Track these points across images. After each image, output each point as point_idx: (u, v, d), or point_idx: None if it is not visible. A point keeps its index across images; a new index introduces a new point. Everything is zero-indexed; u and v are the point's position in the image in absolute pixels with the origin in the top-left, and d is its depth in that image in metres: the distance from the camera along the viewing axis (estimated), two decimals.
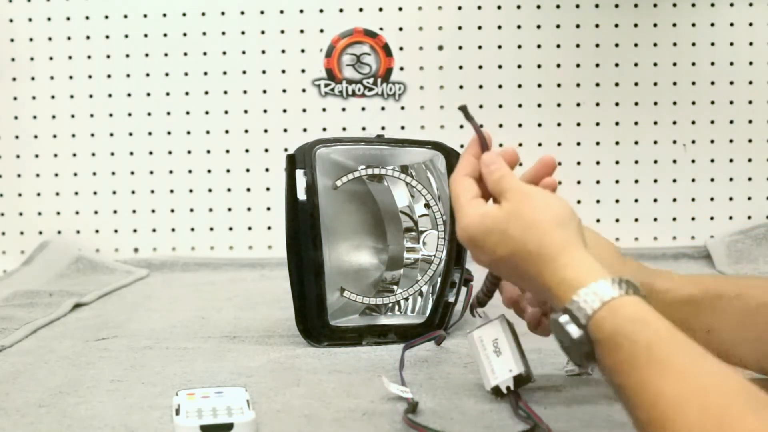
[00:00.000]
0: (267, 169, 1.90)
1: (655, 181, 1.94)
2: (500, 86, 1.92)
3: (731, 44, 1.93)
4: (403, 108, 1.91)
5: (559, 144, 1.93)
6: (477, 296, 0.97)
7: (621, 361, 0.68)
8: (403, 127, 1.90)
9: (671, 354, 0.67)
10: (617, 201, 1.93)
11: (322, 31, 1.89)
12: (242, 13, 1.89)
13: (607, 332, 0.70)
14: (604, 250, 0.92)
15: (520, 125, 1.93)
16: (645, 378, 0.66)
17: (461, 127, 1.90)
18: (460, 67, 1.91)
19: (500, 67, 1.92)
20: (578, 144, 1.94)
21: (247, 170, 1.91)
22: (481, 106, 1.92)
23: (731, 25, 1.93)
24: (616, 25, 1.92)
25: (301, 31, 1.89)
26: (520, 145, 1.92)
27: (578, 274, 0.74)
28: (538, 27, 1.91)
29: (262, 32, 1.89)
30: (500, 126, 1.92)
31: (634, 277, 0.75)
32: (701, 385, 0.64)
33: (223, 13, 1.89)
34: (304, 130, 1.88)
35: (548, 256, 0.77)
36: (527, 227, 0.79)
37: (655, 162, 1.95)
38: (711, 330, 0.90)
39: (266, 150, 1.90)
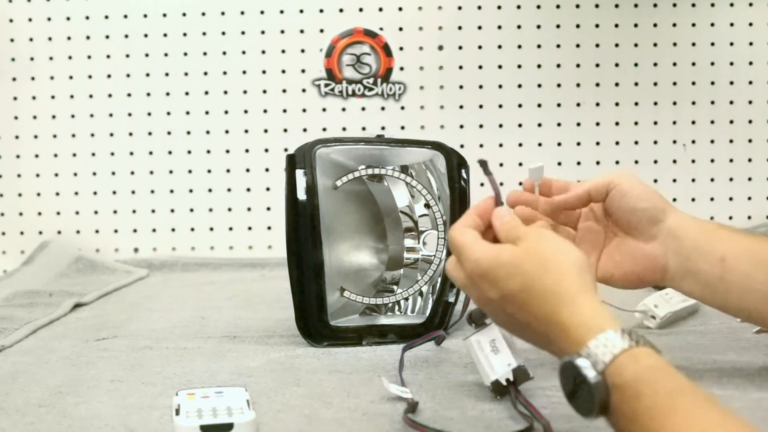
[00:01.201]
0: (267, 169, 1.90)
1: (655, 180, 1.94)
2: (500, 86, 1.92)
3: (731, 44, 1.94)
4: (403, 108, 1.91)
5: (559, 144, 1.94)
6: (472, 314, 0.98)
7: (641, 410, 0.67)
8: (403, 127, 1.90)
9: (694, 406, 0.66)
10: None
11: (322, 31, 1.89)
12: (242, 13, 1.89)
13: (629, 378, 0.68)
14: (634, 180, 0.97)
15: (520, 125, 1.93)
16: (667, 428, 0.65)
17: (461, 127, 1.91)
18: (460, 67, 1.91)
19: (500, 67, 1.92)
20: (578, 144, 1.94)
21: (247, 170, 1.91)
22: (481, 106, 1.92)
23: (731, 25, 1.93)
24: (616, 25, 1.92)
25: (301, 31, 1.89)
26: (520, 145, 1.93)
27: (597, 318, 0.73)
28: (538, 27, 1.92)
29: (262, 32, 1.89)
30: (500, 126, 1.92)
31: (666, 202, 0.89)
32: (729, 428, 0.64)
33: (223, 13, 1.89)
34: (304, 130, 1.89)
35: (568, 295, 0.75)
36: (545, 265, 0.78)
37: (655, 162, 1.95)
38: (725, 258, 0.92)
39: (266, 150, 1.90)
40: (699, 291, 0.95)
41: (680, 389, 0.67)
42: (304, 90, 1.90)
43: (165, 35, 1.88)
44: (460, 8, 1.91)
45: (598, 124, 1.94)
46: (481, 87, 1.92)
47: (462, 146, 1.82)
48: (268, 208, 1.90)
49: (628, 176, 0.97)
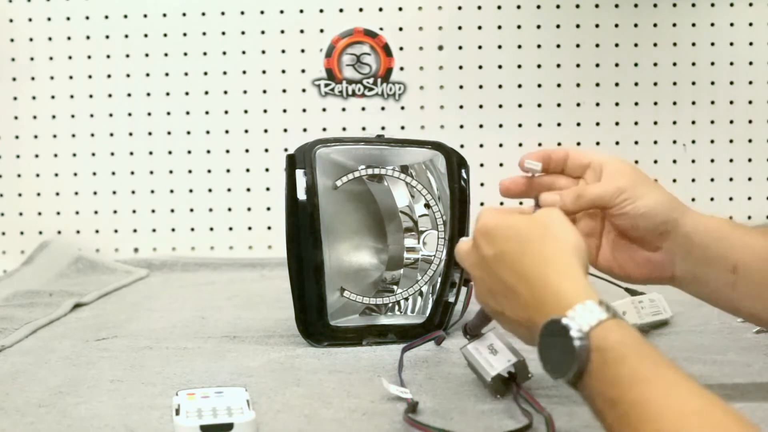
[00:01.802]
0: (267, 169, 1.90)
1: (655, 181, 1.93)
2: (500, 86, 1.92)
3: (731, 44, 1.94)
4: (403, 108, 1.91)
5: (559, 144, 1.93)
6: (467, 326, 0.98)
7: (622, 374, 0.67)
8: (403, 127, 1.90)
9: (677, 379, 0.67)
10: None
11: (322, 31, 1.89)
12: (242, 13, 1.89)
13: (613, 341, 0.69)
14: (640, 175, 0.94)
15: (520, 125, 1.93)
16: (647, 394, 0.65)
17: (461, 127, 1.91)
18: (460, 67, 1.91)
19: (500, 67, 1.92)
20: (578, 144, 1.94)
21: (247, 170, 1.91)
22: (481, 106, 1.92)
23: (731, 25, 1.93)
24: (616, 25, 1.92)
25: (301, 31, 1.89)
26: (520, 145, 1.93)
27: (586, 289, 0.74)
28: (538, 27, 1.92)
29: (262, 32, 1.89)
30: (500, 126, 1.92)
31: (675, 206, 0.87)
32: (706, 403, 0.65)
33: (223, 13, 1.89)
34: (304, 130, 1.88)
35: (561, 264, 0.77)
36: (546, 234, 0.79)
37: (655, 162, 1.95)
38: (736, 268, 0.89)
39: (266, 150, 1.90)
40: (708, 296, 0.93)
41: (664, 361, 0.68)
42: (304, 90, 1.90)
43: (165, 35, 1.88)
44: (460, 8, 1.91)
45: (598, 124, 1.94)
46: (481, 87, 1.92)
47: (462, 146, 1.82)
48: (268, 208, 1.90)
49: (641, 185, 0.92)
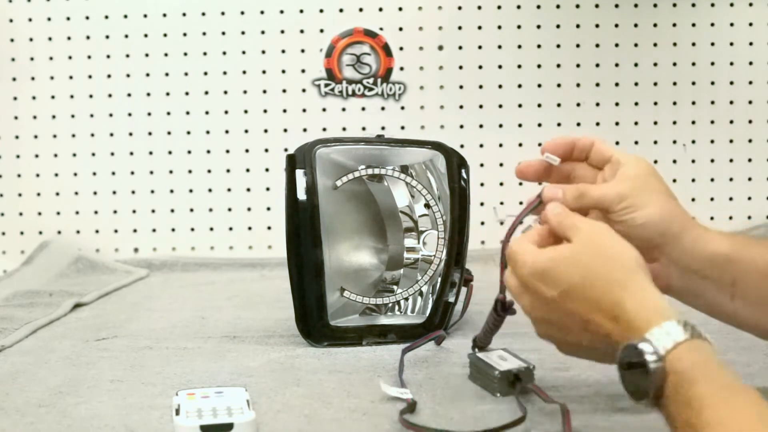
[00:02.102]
0: (267, 169, 1.90)
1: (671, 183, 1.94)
2: (500, 86, 1.92)
3: (731, 44, 1.94)
4: (403, 108, 1.91)
5: None
6: (479, 339, 0.99)
7: (695, 395, 0.68)
8: (403, 127, 1.90)
9: (747, 403, 0.67)
10: None
11: (322, 31, 1.89)
12: (242, 13, 1.89)
13: (687, 364, 0.69)
14: (655, 181, 0.92)
15: (520, 125, 1.93)
16: (717, 416, 0.66)
17: (461, 127, 1.91)
18: (460, 67, 1.91)
19: (500, 67, 1.92)
20: None
21: (247, 170, 1.91)
22: (481, 106, 1.92)
23: (731, 25, 1.93)
24: (616, 25, 1.92)
25: (301, 31, 1.89)
26: (520, 145, 1.93)
27: (660, 308, 0.74)
28: (538, 27, 1.92)
29: (262, 32, 1.89)
30: (500, 126, 1.92)
31: (676, 218, 0.85)
32: None
33: (223, 13, 1.89)
34: (304, 130, 1.89)
35: (631, 283, 0.76)
36: (605, 255, 0.78)
37: (655, 162, 1.90)
38: (735, 283, 0.89)
39: (266, 150, 1.90)
40: (705, 309, 0.92)
41: (734, 385, 0.68)
42: (304, 90, 1.90)
43: (165, 35, 1.88)
44: (460, 8, 1.91)
45: (598, 124, 1.94)
46: (481, 87, 1.92)
47: (462, 146, 1.82)
48: (268, 208, 1.90)
49: (647, 192, 0.90)
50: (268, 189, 1.90)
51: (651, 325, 0.72)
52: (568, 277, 0.79)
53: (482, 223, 1.72)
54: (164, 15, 1.88)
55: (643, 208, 0.89)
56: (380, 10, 1.90)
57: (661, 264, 0.90)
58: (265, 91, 1.90)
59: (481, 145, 1.92)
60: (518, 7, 1.91)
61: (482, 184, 1.78)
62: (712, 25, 1.93)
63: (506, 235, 0.89)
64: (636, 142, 1.94)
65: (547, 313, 0.82)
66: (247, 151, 1.90)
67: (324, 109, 1.90)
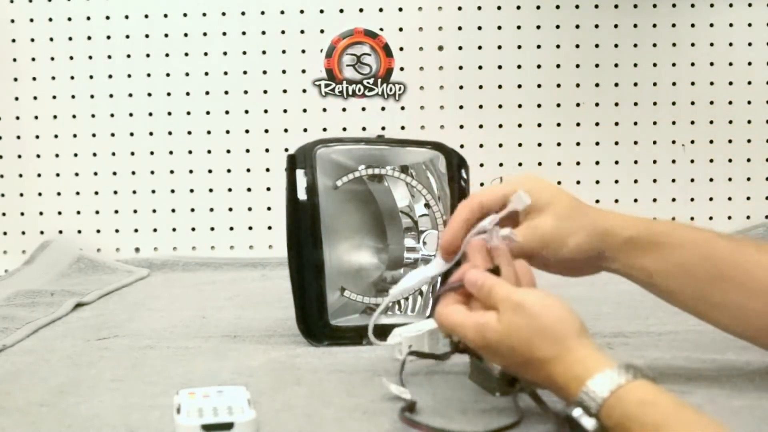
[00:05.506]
0: (268, 169, 1.91)
1: (654, 181, 1.95)
2: (500, 86, 1.93)
3: (730, 44, 1.94)
4: (403, 108, 1.91)
5: (559, 144, 1.94)
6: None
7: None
8: (403, 127, 1.91)
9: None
10: (616, 201, 1.93)
11: (322, 31, 1.90)
12: (243, 13, 1.89)
13: (617, 418, 0.72)
14: (560, 203, 0.93)
15: (520, 125, 1.93)
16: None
17: (461, 127, 1.92)
18: (460, 68, 1.92)
19: (500, 67, 1.92)
20: (578, 144, 1.94)
21: (248, 170, 1.91)
22: (481, 107, 1.92)
23: (730, 25, 1.94)
24: (616, 26, 1.93)
25: (302, 32, 1.90)
26: (520, 145, 1.93)
27: (585, 367, 0.76)
28: (538, 27, 1.92)
29: (263, 33, 1.90)
30: (500, 126, 1.93)
31: (594, 223, 0.88)
32: None
33: (224, 14, 1.89)
34: (305, 130, 1.89)
35: (556, 359, 0.78)
36: (528, 339, 0.80)
37: (654, 162, 1.95)
38: (652, 274, 0.92)
39: (267, 150, 1.91)
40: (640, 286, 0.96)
41: (666, 419, 0.70)
42: (304, 90, 1.91)
43: (166, 36, 1.88)
44: (460, 9, 1.91)
45: (597, 124, 1.94)
46: (481, 87, 1.92)
47: (462, 146, 1.82)
48: (269, 208, 1.90)
49: (562, 226, 0.92)
50: (268, 189, 1.91)
51: (580, 388, 0.75)
52: (503, 358, 0.83)
53: None
54: (165, 16, 1.88)
55: (567, 243, 0.92)
56: (380, 10, 1.90)
57: (591, 266, 0.95)
58: (265, 92, 1.90)
59: (481, 145, 1.92)
60: (518, 7, 1.91)
61: (482, 184, 1.77)
62: (711, 25, 1.94)
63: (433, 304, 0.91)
64: (635, 142, 1.95)
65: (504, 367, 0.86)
66: (247, 151, 1.91)
67: (324, 110, 1.91)
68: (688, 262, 0.92)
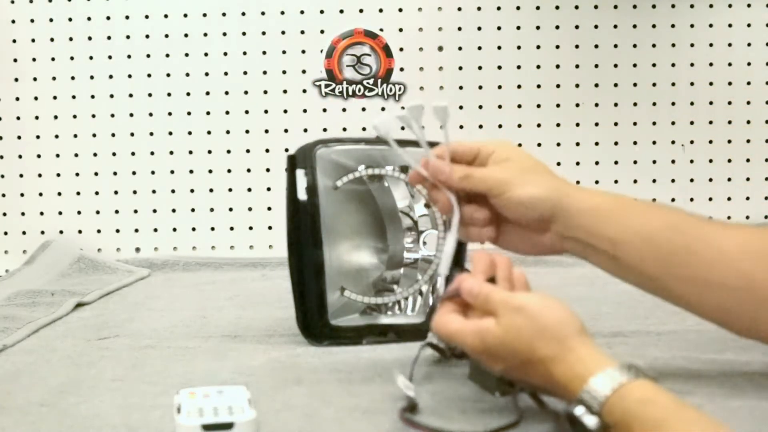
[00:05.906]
0: (268, 170, 1.91)
1: (654, 181, 1.95)
2: (500, 87, 1.93)
3: (729, 45, 1.94)
4: (403, 108, 1.91)
5: (558, 144, 1.94)
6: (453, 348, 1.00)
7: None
8: (403, 128, 1.90)
9: (679, 429, 0.70)
10: None
11: (322, 32, 1.90)
12: (243, 14, 1.89)
13: (618, 416, 0.72)
14: (528, 159, 0.97)
15: (519, 125, 1.93)
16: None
17: (461, 127, 1.92)
18: (460, 68, 1.92)
19: (500, 67, 1.92)
20: (577, 144, 1.94)
21: (248, 170, 1.91)
22: (480, 107, 1.92)
23: (729, 26, 1.94)
24: (615, 26, 1.93)
25: (302, 32, 1.90)
26: (520, 145, 1.92)
27: (587, 366, 0.77)
28: (538, 28, 1.92)
29: (263, 33, 1.90)
30: (500, 126, 1.93)
31: (557, 185, 0.90)
32: None
33: (224, 14, 1.89)
34: (305, 130, 1.89)
35: (557, 358, 0.79)
36: (529, 339, 0.80)
37: (654, 162, 1.95)
38: (616, 244, 0.92)
39: (267, 150, 1.91)
40: (602, 268, 0.96)
41: (666, 416, 0.71)
42: (304, 91, 1.91)
43: (166, 36, 1.89)
44: (459, 9, 1.91)
45: (597, 124, 1.95)
46: (480, 88, 1.93)
47: None
48: (269, 208, 1.91)
49: (525, 173, 0.95)
50: (269, 189, 1.91)
51: (582, 386, 0.75)
52: (503, 361, 0.83)
53: None
54: (165, 16, 1.88)
55: (524, 186, 0.94)
56: (380, 11, 1.90)
57: (552, 234, 0.95)
58: (266, 92, 1.91)
59: None
60: (518, 8, 1.92)
61: None
62: (711, 26, 1.94)
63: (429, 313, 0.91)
64: (635, 143, 1.95)
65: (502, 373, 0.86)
66: (248, 151, 1.91)
67: (324, 110, 1.91)
68: (654, 231, 0.91)
